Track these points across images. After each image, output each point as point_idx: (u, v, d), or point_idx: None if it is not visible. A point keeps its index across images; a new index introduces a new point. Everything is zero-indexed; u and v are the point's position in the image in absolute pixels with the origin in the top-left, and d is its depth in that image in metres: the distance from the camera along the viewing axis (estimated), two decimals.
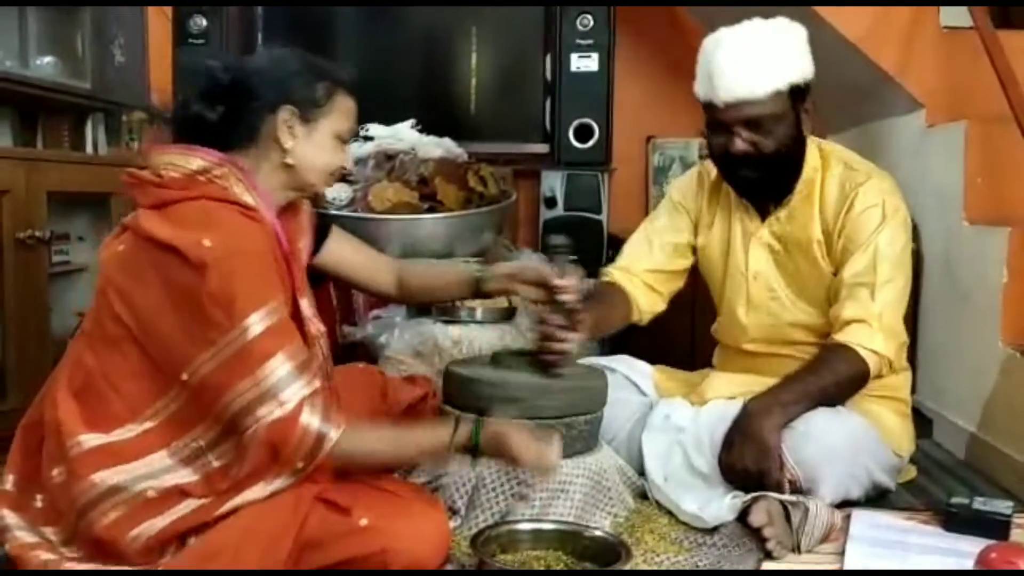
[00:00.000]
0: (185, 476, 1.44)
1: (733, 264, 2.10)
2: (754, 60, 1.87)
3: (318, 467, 1.44)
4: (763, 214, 2.05)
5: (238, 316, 1.39)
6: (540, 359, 1.81)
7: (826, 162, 2.01)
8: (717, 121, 1.92)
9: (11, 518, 1.49)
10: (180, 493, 1.43)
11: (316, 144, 1.57)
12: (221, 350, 1.39)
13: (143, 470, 1.43)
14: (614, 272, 2.17)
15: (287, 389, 1.39)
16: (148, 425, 1.45)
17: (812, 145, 2.02)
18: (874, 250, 1.91)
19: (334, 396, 1.57)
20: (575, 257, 1.86)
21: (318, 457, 1.41)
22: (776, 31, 1.92)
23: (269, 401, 1.38)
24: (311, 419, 1.40)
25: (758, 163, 1.92)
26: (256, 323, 1.39)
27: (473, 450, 1.52)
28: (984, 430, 2.28)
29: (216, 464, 1.44)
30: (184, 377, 1.41)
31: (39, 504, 1.49)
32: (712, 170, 2.11)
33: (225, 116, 1.53)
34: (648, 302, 2.16)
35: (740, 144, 1.89)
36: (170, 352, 1.43)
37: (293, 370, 1.40)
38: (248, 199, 1.49)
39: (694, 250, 2.19)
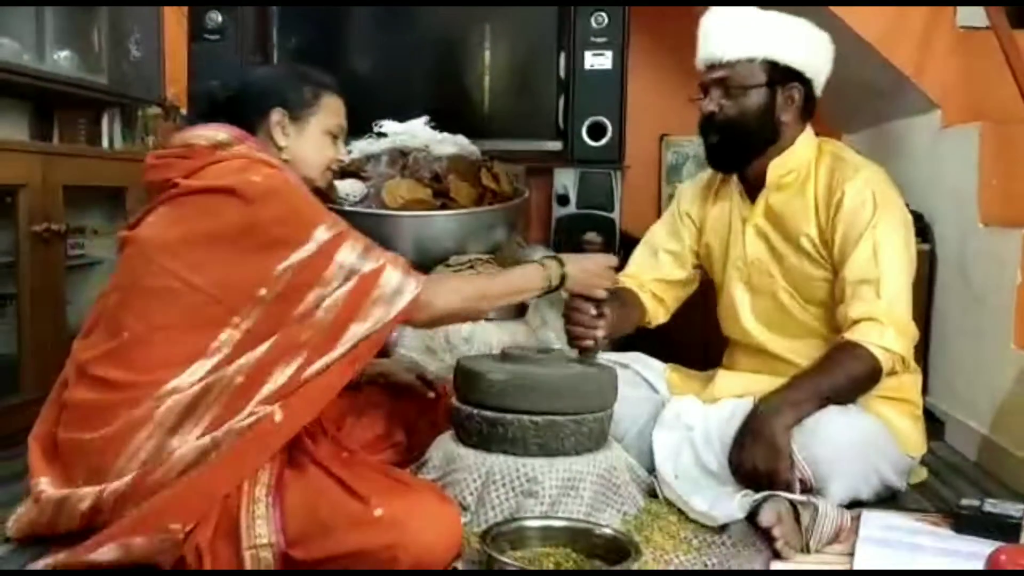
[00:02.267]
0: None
1: (733, 251, 2.12)
2: (734, 26, 1.97)
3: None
4: (754, 199, 2.08)
5: (306, 228, 1.54)
6: (573, 345, 1.92)
7: (820, 155, 2.04)
8: (701, 84, 2.02)
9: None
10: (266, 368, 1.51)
11: (308, 140, 1.73)
12: (299, 259, 1.52)
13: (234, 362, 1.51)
14: (626, 279, 2.21)
15: (367, 261, 1.57)
16: (219, 357, 1.50)
17: (808, 137, 2.04)
18: (872, 245, 1.90)
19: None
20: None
21: (401, 302, 1.57)
22: (778, 14, 1.98)
23: (354, 274, 1.55)
24: (393, 272, 1.58)
25: (721, 129, 2.00)
26: (323, 232, 1.55)
27: (561, 282, 1.78)
28: (997, 433, 2.28)
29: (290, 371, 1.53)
30: (262, 293, 1.52)
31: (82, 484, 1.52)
32: None
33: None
34: (655, 310, 2.22)
35: (708, 104, 2.00)
36: (236, 281, 1.52)
37: (363, 251, 1.57)
38: (273, 161, 1.64)
39: (697, 254, 2.22)
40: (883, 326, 1.86)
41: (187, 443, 1.46)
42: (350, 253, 1.56)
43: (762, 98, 1.97)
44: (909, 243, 1.97)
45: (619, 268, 2.12)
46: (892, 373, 1.90)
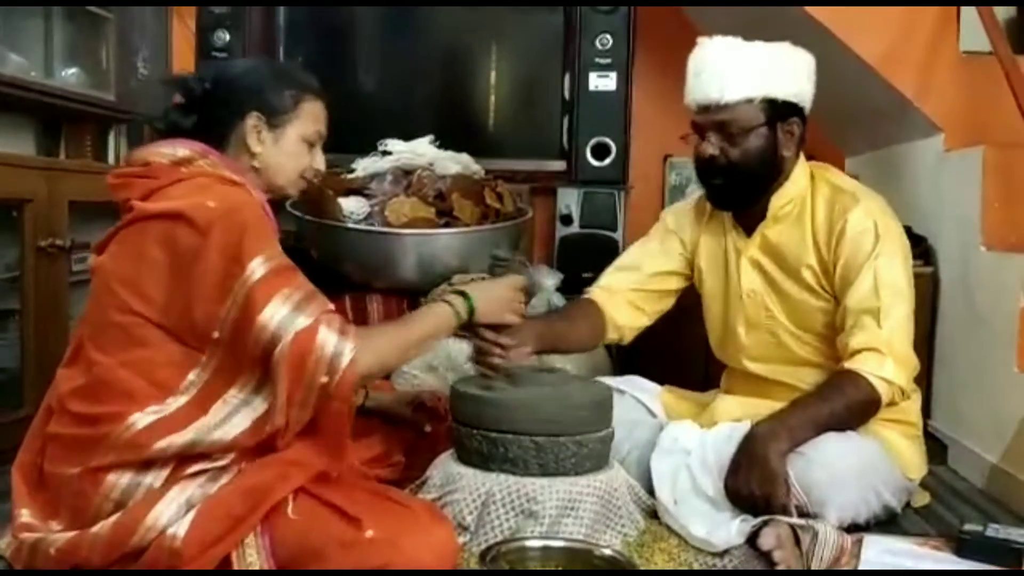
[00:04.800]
0: (238, 425, 1.48)
1: (729, 284, 2.11)
2: (729, 66, 1.91)
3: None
4: (749, 232, 2.06)
5: (244, 260, 1.45)
6: (477, 366, 1.88)
7: (815, 183, 2.02)
8: (694, 124, 1.98)
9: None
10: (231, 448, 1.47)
11: (283, 148, 1.65)
12: (237, 295, 1.45)
13: (208, 424, 1.46)
14: (594, 291, 2.19)
15: (299, 317, 1.44)
16: (185, 398, 1.48)
17: (802, 166, 2.03)
18: (874, 275, 1.90)
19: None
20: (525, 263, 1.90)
21: (339, 370, 1.44)
22: (765, 46, 1.94)
23: (287, 327, 1.43)
24: (328, 334, 1.45)
25: (725, 171, 1.96)
26: (259, 267, 1.45)
27: (470, 315, 1.71)
28: (1000, 457, 2.26)
29: (261, 410, 1.48)
30: (215, 335, 1.46)
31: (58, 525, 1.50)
32: None
33: (198, 124, 1.62)
34: (629, 318, 2.18)
35: (708, 148, 1.95)
36: (195, 317, 1.47)
37: (292, 309, 1.45)
38: (235, 178, 1.57)
39: (684, 276, 2.21)
40: (883, 356, 1.85)
41: (160, 479, 1.45)
42: (280, 307, 1.45)
43: (763, 138, 1.94)
44: (909, 273, 1.97)
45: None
46: (891, 404, 1.90)
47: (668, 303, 2.23)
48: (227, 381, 1.49)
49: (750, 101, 1.91)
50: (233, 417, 1.48)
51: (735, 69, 1.91)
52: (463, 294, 1.73)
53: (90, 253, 1.62)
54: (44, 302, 2.43)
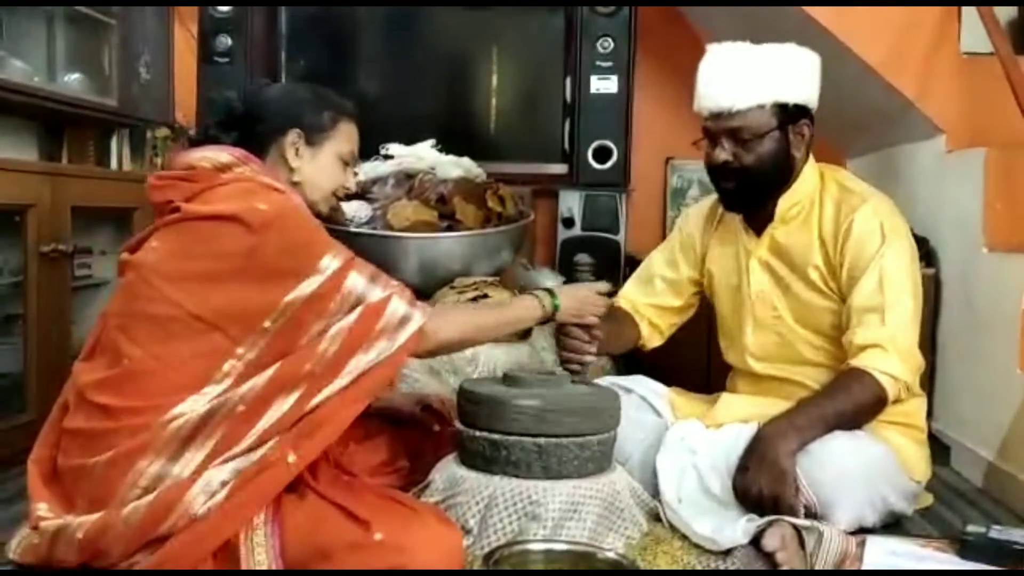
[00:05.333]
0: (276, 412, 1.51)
1: (737, 284, 2.12)
2: (740, 73, 1.93)
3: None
4: (759, 233, 2.07)
5: (314, 259, 1.53)
6: (564, 368, 1.96)
7: (824, 184, 2.03)
8: (706, 130, 1.99)
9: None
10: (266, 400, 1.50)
11: (320, 165, 1.73)
12: (307, 291, 1.51)
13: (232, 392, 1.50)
14: (621, 301, 2.24)
15: (374, 289, 1.57)
16: (222, 387, 1.50)
17: (811, 166, 2.04)
18: (879, 273, 1.90)
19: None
20: (600, 276, 1.98)
21: (405, 333, 1.56)
22: (774, 50, 1.95)
23: (366, 295, 1.56)
24: (399, 302, 1.58)
25: (738, 175, 1.97)
26: (331, 260, 1.55)
27: (554, 311, 1.83)
28: (1003, 458, 2.26)
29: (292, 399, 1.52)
30: (266, 324, 1.51)
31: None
32: None
33: (238, 141, 1.67)
34: (647, 334, 2.24)
35: (721, 154, 1.97)
36: (240, 312, 1.51)
37: (369, 279, 1.58)
38: (276, 185, 1.63)
39: (696, 283, 2.24)
40: (888, 353, 1.86)
41: (189, 469, 1.46)
42: (356, 282, 1.56)
43: (776, 142, 1.95)
44: (915, 272, 1.97)
45: (614, 292, 2.15)
46: (897, 401, 1.90)
47: (681, 318, 2.28)
48: (260, 369, 1.51)
49: (762, 107, 1.93)
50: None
51: (746, 76, 1.92)
52: (549, 291, 1.85)
53: (121, 252, 1.66)
54: (47, 307, 2.43)
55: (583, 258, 2.16)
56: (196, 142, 1.70)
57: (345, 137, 1.75)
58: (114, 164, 3.10)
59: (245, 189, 1.57)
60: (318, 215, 1.73)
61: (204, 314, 1.51)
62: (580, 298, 1.90)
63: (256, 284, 1.51)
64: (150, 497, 1.44)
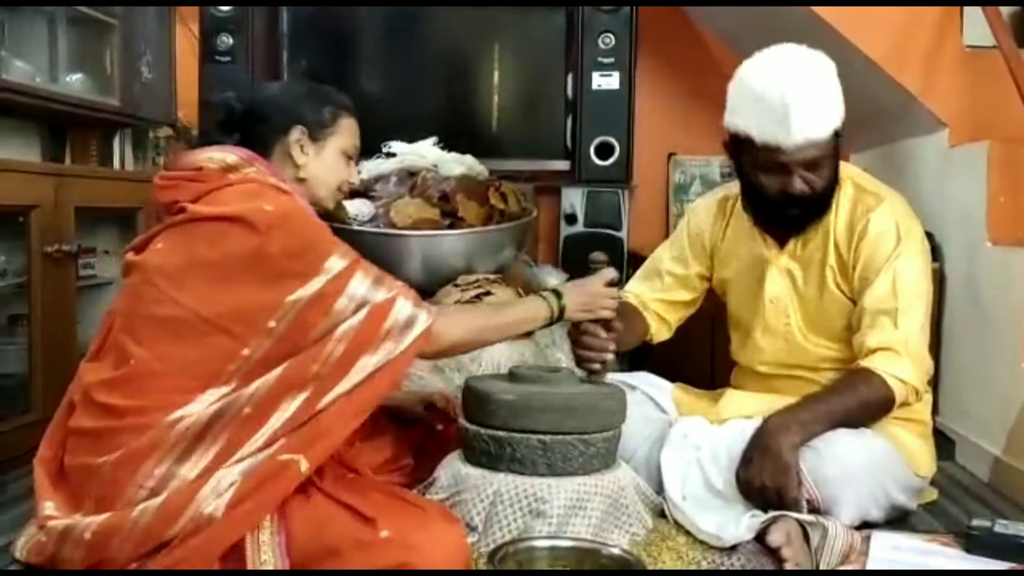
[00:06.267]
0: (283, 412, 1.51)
1: (750, 288, 2.10)
2: (820, 102, 1.86)
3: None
4: (782, 242, 2.05)
5: (319, 260, 1.53)
6: (583, 367, 1.92)
7: (841, 183, 2.00)
8: (777, 162, 1.88)
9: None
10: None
11: (325, 161, 1.74)
12: (310, 291, 1.51)
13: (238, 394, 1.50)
14: (629, 296, 2.22)
15: (379, 291, 1.56)
16: (227, 388, 1.50)
17: None
18: (893, 276, 1.90)
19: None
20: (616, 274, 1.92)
21: (412, 334, 1.56)
22: (824, 70, 1.89)
23: (370, 297, 1.55)
24: (405, 304, 1.58)
25: (807, 202, 1.92)
26: (335, 262, 1.54)
27: (561, 313, 1.79)
28: (1008, 453, 2.26)
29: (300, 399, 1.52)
30: (271, 325, 1.51)
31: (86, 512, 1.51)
32: (737, 195, 2.11)
33: (241, 142, 1.68)
34: (655, 328, 2.22)
35: (799, 184, 1.89)
36: (246, 313, 1.51)
37: (374, 281, 1.57)
38: (282, 186, 1.64)
39: (705, 278, 2.22)
40: (899, 357, 1.86)
41: (197, 470, 1.46)
42: (361, 283, 1.55)
43: (834, 161, 1.93)
44: (928, 274, 1.97)
45: (620, 283, 2.13)
46: (905, 404, 1.90)
47: (687, 312, 2.26)
48: (267, 370, 1.51)
49: (836, 132, 1.89)
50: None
51: (822, 105, 1.86)
52: (555, 291, 1.82)
53: (126, 253, 1.66)
54: (51, 307, 2.43)
55: (598, 255, 2.15)
56: (200, 144, 1.71)
57: (347, 132, 1.76)
58: (117, 164, 3.11)
59: (251, 190, 1.58)
60: (324, 211, 1.74)
61: (209, 315, 1.51)
62: (588, 293, 1.85)
63: (261, 285, 1.51)
64: (160, 499, 1.44)
